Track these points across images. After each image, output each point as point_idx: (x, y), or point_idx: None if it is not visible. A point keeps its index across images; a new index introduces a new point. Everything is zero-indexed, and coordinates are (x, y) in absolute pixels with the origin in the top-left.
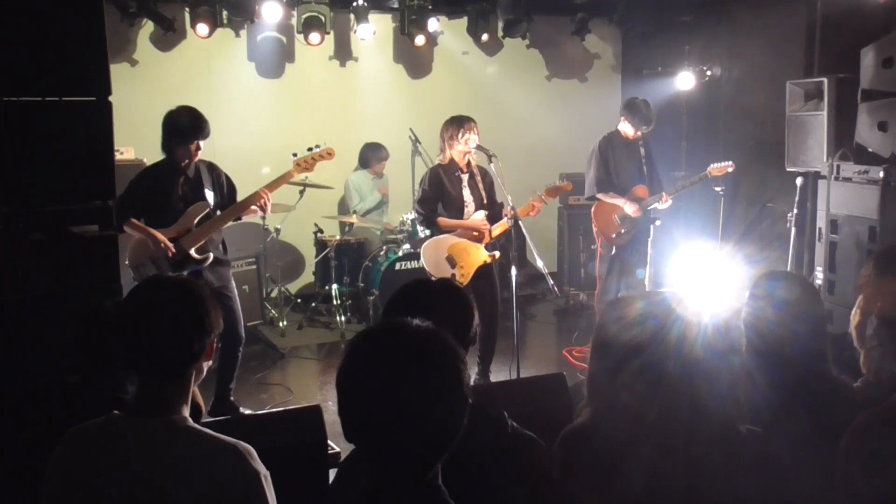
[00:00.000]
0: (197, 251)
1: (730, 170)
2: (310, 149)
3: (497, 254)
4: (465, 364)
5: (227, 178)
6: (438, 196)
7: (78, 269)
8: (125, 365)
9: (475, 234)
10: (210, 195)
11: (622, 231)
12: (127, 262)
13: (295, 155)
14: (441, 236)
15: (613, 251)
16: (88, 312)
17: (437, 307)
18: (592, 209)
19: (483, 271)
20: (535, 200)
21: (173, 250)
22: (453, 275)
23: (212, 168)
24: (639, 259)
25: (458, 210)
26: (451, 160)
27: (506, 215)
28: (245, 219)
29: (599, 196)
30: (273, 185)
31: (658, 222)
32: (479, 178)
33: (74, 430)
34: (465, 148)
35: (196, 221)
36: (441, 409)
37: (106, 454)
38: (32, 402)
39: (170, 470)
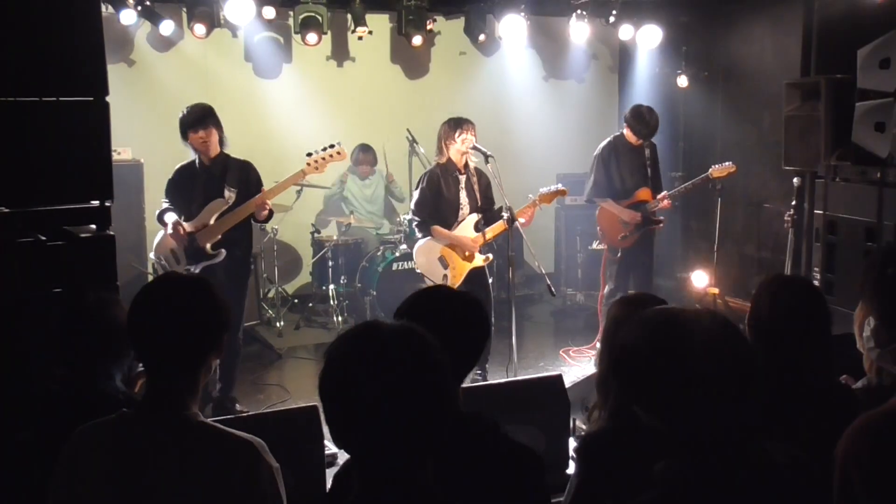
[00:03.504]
0: (211, 247)
1: (731, 171)
2: (324, 148)
3: (490, 256)
4: (445, 358)
5: (257, 179)
6: (436, 198)
7: (75, 269)
8: (112, 359)
9: (465, 251)
10: (231, 193)
11: (626, 234)
12: (152, 254)
13: (309, 154)
14: (433, 238)
15: (619, 253)
16: (71, 305)
17: (453, 318)
18: (597, 213)
19: (476, 274)
20: (529, 206)
21: (180, 237)
22: (445, 276)
23: (243, 167)
24: (643, 260)
25: (453, 212)
26: (449, 160)
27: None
28: None
29: (598, 201)
30: (284, 185)
31: (661, 225)
32: (475, 180)
33: (85, 428)
34: (461, 148)
35: (214, 218)
36: (423, 405)
37: (120, 451)
38: (30, 402)
39: (187, 465)
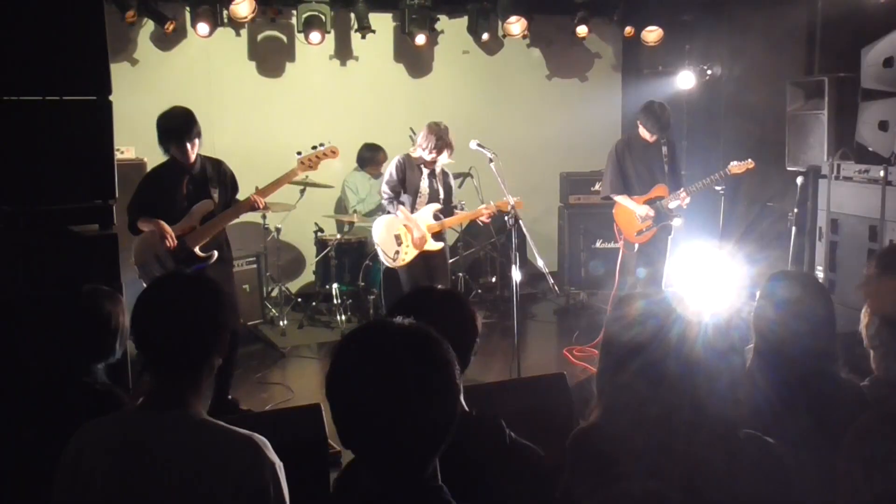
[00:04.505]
0: (201, 249)
1: (751, 167)
2: (314, 147)
3: (442, 244)
4: (452, 357)
5: (232, 176)
6: (401, 181)
7: (78, 268)
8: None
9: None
10: (216, 193)
11: (642, 229)
12: (132, 261)
13: (299, 153)
14: (396, 216)
15: (636, 248)
16: (64, 296)
17: (440, 317)
18: (614, 209)
19: (433, 257)
20: (486, 209)
21: (174, 242)
22: (397, 252)
23: (218, 166)
24: (658, 256)
25: (412, 197)
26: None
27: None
28: (246, 218)
29: (613, 197)
30: (277, 184)
31: (677, 220)
32: (439, 177)
33: (89, 426)
34: (430, 160)
35: (201, 220)
36: (431, 404)
37: (124, 449)
38: (32, 401)
39: (189, 463)
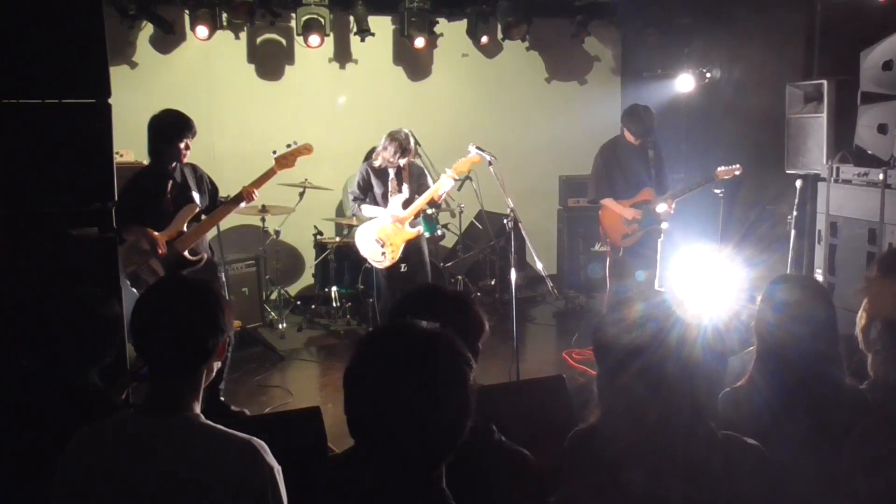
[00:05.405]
0: (190, 253)
1: (737, 173)
2: (288, 145)
3: (419, 229)
4: (470, 366)
5: (210, 179)
6: (367, 189)
7: (78, 271)
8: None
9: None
10: (197, 197)
11: (629, 233)
12: (122, 274)
13: (275, 152)
14: (369, 223)
15: (621, 253)
16: (56, 299)
17: (444, 315)
18: (600, 212)
19: (411, 244)
20: (444, 174)
21: (164, 249)
22: (384, 253)
23: (195, 170)
24: (647, 260)
25: (385, 198)
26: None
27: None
28: (245, 221)
29: (600, 201)
30: (257, 183)
31: (664, 224)
32: (406, 172)
33: (86, 430)
34: (390, 166)
35: (187, 223)
36: (445, 411)
37: (123, 452)
38: (32, 403)
39: (189, 466)
